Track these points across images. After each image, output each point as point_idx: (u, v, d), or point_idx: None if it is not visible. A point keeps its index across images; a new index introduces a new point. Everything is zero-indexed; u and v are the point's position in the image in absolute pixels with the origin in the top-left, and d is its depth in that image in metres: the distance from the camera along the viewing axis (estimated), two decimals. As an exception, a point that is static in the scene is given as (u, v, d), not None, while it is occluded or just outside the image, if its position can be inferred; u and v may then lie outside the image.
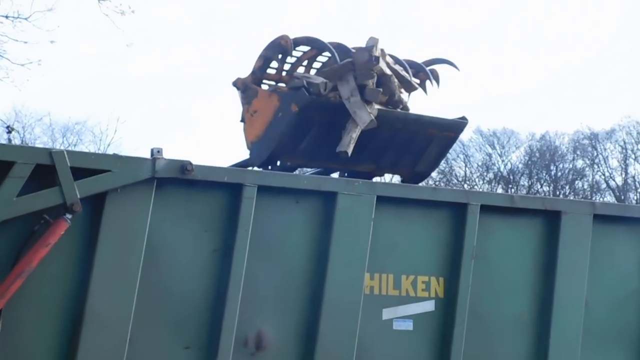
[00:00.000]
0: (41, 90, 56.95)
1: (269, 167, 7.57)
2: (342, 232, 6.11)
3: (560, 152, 51.95)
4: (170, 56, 73.90)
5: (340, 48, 7.80)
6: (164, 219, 5.71)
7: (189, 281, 5.78)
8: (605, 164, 51.94)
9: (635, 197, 50.82)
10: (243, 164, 8.18)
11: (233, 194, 5.87)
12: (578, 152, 51.52)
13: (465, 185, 48.49)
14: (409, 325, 6.33)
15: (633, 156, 50.90)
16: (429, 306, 6.41)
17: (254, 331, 5.90)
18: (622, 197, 50.69)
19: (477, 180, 49.34)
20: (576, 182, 52.83)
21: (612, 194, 52.07)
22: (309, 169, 8.30)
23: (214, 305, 5.80)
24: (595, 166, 52.27)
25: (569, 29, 73.81)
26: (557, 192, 50.61)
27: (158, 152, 5.77)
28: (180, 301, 5.75)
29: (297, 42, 7.97)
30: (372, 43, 7.57)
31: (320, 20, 72.23)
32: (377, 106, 7.33)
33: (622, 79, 71.49)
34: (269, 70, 8.02)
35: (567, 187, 51.97)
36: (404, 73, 7.80)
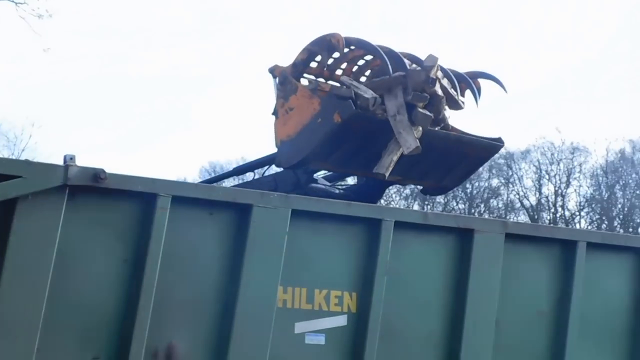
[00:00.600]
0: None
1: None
2: (256, 245, 6.09)
3: (476, 171, 52.54)
4: (170, 56, 73.28)
5: (390, 54, 7.55)
6: (75, 227, 5.62)
7: (99, 290, 5.70)
8: (520, 183, 52.72)
9: (548, 217, 51.62)
10: (268, 160, 8.04)
11: (147, 204, 5.81)
12: (494, 171, 52.18)
13: (382, 201, 48.75)
14: (320, 340, 6.33)
15: (547, 176, 51.73)
16: (341, 321, 6.42)
17: (164, 343, 5.84)
18: (536, 217, 51.45)
19: (394, 196, 49.67)
20: (491, 200, 53.51)
21: (526, 213, 52.81)
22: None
23: (125, 315, 5.73)
24: (510, 185, 53.01)
25: (568, 29, 74.59)
26: (473, 210, 51.17)
27: (71, 159, 5.68)
28: (91, 311, 5.66)
29: (348, 42, 7.72)
30: (431, 63, 7.32)
31: (320, 20, 72.24)
32: (421, 127, 7.22)
33: (622, 79, 72.57)
34: (311, 64, 7.81)
35: (482, 206, 52.58)
36: (452, 90, 7.65)
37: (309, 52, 7.77)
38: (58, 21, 66.88)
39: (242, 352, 5.97)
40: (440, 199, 49.69)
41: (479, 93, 8.12)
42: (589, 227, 49.46)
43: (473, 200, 52.13)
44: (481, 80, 8.21)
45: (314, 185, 8.22)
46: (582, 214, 51.47)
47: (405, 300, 6.63)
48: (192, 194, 5.97)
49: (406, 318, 6.62)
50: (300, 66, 7.85)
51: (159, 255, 5.76)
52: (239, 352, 5.96)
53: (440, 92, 7.44)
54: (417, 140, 7.06)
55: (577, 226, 48.96)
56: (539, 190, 52.25)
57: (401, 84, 7.28)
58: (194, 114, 74.58)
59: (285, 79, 7.76)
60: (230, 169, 9.43)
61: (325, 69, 7.93)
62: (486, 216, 49.15)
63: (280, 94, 7.83)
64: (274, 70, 7.96)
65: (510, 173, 52.07)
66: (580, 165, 52.06)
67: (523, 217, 52.20)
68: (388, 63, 7.40)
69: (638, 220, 51.80)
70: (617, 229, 49.47)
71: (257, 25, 72.43)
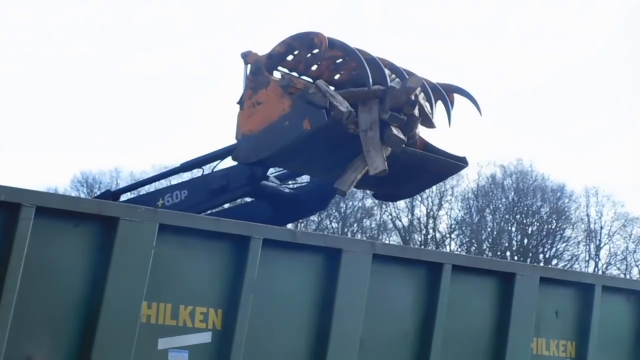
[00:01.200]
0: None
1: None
2: (122, 258, 5.99)
3: (351, 190, 52.94)
4: (170, 56, 72.00)
5: (372, 64, 7.41)
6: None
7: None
8: (393, 204, 53.31)
9: (419, 239, 52.36)
10: (225, 152, 7.77)
11: (10, 214, 5.66)
12: (367, 192, 52.61)
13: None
14: (184, 357, 6.26)
15: (419, 198, 52.45)
16: (205, 337, 6.36)
17: (21, 358, 5.70)
18: (407, 238, 52.13)
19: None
20: (364, 220, 54.00)
21: (398, 234, 53.46)
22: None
23: (-19, 329, 5.57)
24: (384, 206, 53.58)
25: (568, 29, 75.27)
26: (346, 230, 51.55)
27: None
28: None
29: (331, 44, 7.54)
30: (414, 85, 7.14)
31: (320, 20, 71.66)
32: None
33: (622, 79, 73.54)
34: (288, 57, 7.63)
35: (355, 225, 53.02)
36: (428, 110, 7.51)
37: (288, 46, 7.60)
38: (58, 21, 65.48)
39: None
40: (314, 217, 49.96)
41: (452, 107, 8.13)
42: (459, 250, 50.36)
43: (346, 219, 52.53)
44: (458, 96, 8.26)
45: (264, 182, 8.09)
46: (453, 236, 52.42)
47: (272, 319, 6.61)
48: (57, 205, 5.84)
49: (271, 336, 6.60)
50: (276, 58, 7.67)
51: (21, 267, 5.62)
52: None
53: (417, 113, 7.37)
54: (385, 162, 6.97)
55: (447, 248, 49.76)
56: (412, 211, 53.00)
57: (378, 98, 7.20)
58: (194, 114, 74.29)
59: (258, 70, 7.55)
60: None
61: (301, 64, 7.77)
62: (359, 236, 49.57)
63: (249, 84, 7.64)
64: (246, 57, 7.74)
65: (384, 194, 52.57)
66: (452, 188, 53.03)
67: (395, 238, 52.84)
68: (369, 73, 7.31)
69: (506, 244, 52.98)
70: (486, 252, 50.50)
71: (257, 25, 72.07)
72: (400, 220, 52.88)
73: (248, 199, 9.55)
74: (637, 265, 59.32)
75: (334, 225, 51.65)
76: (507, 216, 53.43)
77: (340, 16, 75.06)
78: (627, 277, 53.40)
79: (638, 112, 73.95)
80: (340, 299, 6.82)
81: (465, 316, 7.57)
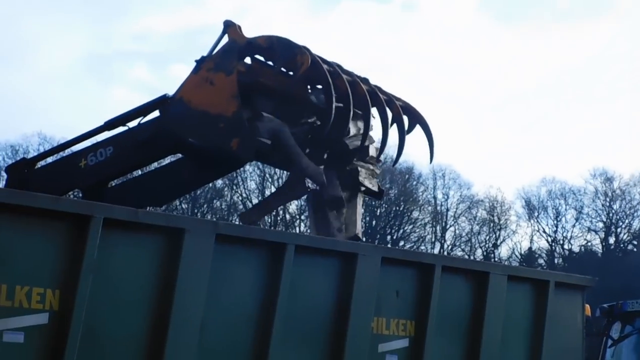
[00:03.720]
0: None
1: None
2: None
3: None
4: None
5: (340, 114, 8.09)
6: None
7: None
8: (244, 185, 53.36)
9: (269, 220, 52.48)
10: (151, 106, 7.60)
11: None
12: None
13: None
14: (19, 338, 6.11)
15: (270, 180, 52.63)
16: (42, 319, 6.22)
17: None
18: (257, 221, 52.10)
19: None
20: (215, 201, 53.81)
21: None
22: None
23: None
24: (234, 187, 53.54)
25: (568, 29, 75.20)
26: (196, 211, 51.27)
27: None
28: None
29: (314, 67, 7.82)
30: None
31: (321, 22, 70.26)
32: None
33: (622, 79, 73.81)
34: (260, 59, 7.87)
35: (205, 206, 52.78)
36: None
37: (270, 45, 7.71)
38: None
39: None
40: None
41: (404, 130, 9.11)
42: (308, 232, 50.76)
43: (197, 200, 52.24)
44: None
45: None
46: (302, 217, 52.71)
47: (111, 300, 6.52)
48: None
49: (111, 318, 6.51)
50: (254, 49, 7.63)
51: None
52: None
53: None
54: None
55: (297, 230, 50.07)
56: (262, 193, 53.09)
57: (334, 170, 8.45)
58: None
59: (231, 51, 7.53)
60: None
61: (273, 63, 7.99)
62: (209, 217, 49.36)
63: (216, 58, 7.59)
64: (228, 28, 7.68)
65: (235, 175, 52.63)
66: (302, 169, 53.28)
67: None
68: (330, 122, 7.92)
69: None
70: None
71: (257, 25, 71.28)
72: (251, 202, 52.90)
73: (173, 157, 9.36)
74: (480, 247, 60.99)
75: (184, 206, 51.30)
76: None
77: (340, 16, 74.95)
78: (471, 258, 54.79)
79: (638, 111, 75.98)
80: (182, 280, 6.76)
81: (308, 296, 7.62)
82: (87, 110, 73.18)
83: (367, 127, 8.77)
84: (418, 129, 9.65)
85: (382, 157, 9.41)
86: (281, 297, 7.33)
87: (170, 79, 77.90)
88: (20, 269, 6.16)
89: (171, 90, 8.30)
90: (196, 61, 7.93)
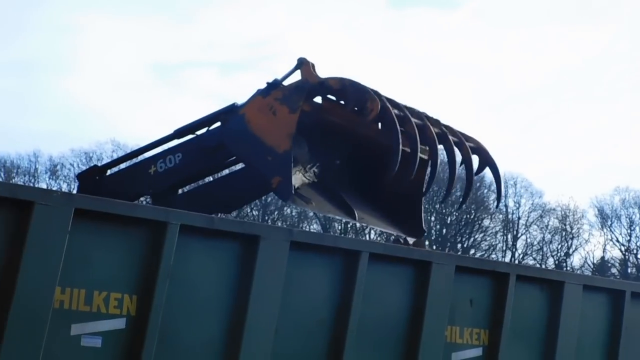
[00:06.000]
0: None
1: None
2: (36, 242, 5.90)
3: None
4: None
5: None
6: None
7: None
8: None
9: (340, 227, 52.54)
10: (217, 115, 7.95)
11: None
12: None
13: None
14: (97, 342, 6.20)
15: (340, 187, 52.54)
16: (119, 323, 6.31)
17: None
18: (328, 227, 52.26)
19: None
20: (285, 208, 53.99)
21: (318, 222, 53.58)
22: None
23: None
24: (304, 194, 53.53)
25: (568, 29, 75.58)
26: (266, 218, 51.53)
27: None
28: None
29: (382, 113, 7.99)
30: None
31: (320, 21, 71.27)
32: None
33: (622, 79, 73.99)
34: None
35: (275, 213, 53.01)
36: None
37: (342, 87, 7.91)
38: None
39: (14, 352, 5.78)
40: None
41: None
42: (378, 239, 50.65)
43: (267, 207, 52.50)
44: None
45: None
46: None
47: (187, 306, 6.58)
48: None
49: (187, 323, 6.57)
50: (325, 89, 7.88)
51: None
52: (10, 352, 5.76)
53: None
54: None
55: (367, 237, 50.03)
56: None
57: None
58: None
59: (301, 90, 7.74)
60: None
61: (345, 104, 8.17)
62: (279, 224, 49.57)
63: (286, 90, 7.79)
64: (302, 65, 7.85)
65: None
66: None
67: (316, 227, 52.97)
68: (399, 149, 8.01)
69: (425, 233, 53.36)
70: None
71: (257, 26, 72.66)
72: (317, 213, 52.93)
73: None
74: (552, 256, 60.39)
75: (255, 213, 51.62)
76: (426, 205, 53.85)
77: (340, 16, 75.50)
78: (543, 267, 54.27)
79: (638, 111, 75.34)
80: (257, 286, 6.80)
81: (381, 304, 7.61)
82: (158, 117, 74.20)
83: (434, 172, 8.91)
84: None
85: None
86: (355, 304, 7.34)
87: (236, 86, 78.70)
88: (98, 274, 6.25)
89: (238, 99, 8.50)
90: (267, 83, 8.06)
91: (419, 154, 8.55)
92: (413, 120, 8.57)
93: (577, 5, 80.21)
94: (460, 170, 9.46)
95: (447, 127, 9.27)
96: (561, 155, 77.35)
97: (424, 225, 9.78)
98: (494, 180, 9.85)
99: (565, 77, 78.66)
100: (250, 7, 79.89)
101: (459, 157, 9.40)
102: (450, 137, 9.19)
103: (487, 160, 9.64)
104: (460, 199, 9.46)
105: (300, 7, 79.58)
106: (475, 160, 9.57)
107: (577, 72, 79.15)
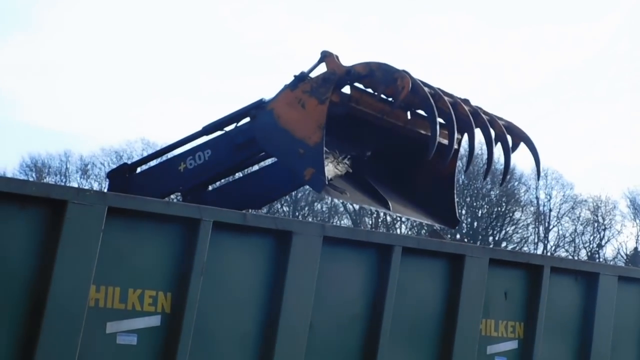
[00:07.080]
0: None
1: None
2: (70, 242, 5.93)
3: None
4: None
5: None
6: None
7: None
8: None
9: (370, 222, 52.48)
10: (247, 111, 8.13)
11: None
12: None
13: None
14: (132, 340, 6.22)
15: (370, 182, 52.49)
16: (154, 321, 6.32)
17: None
18: (358, 221, 52.22)
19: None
20: (315, 204, 54.02)
21: (349, 217, 53.54)
22: None
23: None
24: (335, 189, 53.49)
25: (569, 28, 75.62)
26: (297, 213, 51.57)
27: None
28: None
29: (414, 90, 7.91)
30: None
31: (321, 22, 71.58)
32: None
33: (622, 79, 73.95)
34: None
35: (306, 209, 53.05)
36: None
37: (369, 71, 7.91)
38: None
39: (50, 351, 5.81)
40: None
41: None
42: (410, 233, 50.61)
43: (298, 203, 52.53)
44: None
45: None
46: (403, 219, 52.58)
47: (221, 302, 6.58)
48: (2, 189, 5.76)
49: (221, 319, 6.58)
50: (352, 77, 7.83)
51: None
52: (46, 351, 5.79)
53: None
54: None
55: (398, 231, 49.97)
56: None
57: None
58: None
59: (329, 81, 7.74)
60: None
61: (373, 90, 8.16)
62: (310, 219, 49.59)
63: (314, 82, 7.80)
64: (326, 58, 7.86)
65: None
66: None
67: (346, 221, 52.94)
68: (435, 143, 7.97)
69: (457, 227, 53.20)
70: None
71: (256, 26, 73.00)
72: (352, 204, 52.97)
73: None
74: (584, 247, 60.07)
75: (285, 209, 51.65)
76: (457, 199, 53.74)
77: (340, 16, 75.49)
78: (576, 258, 54.01)
79: (638, 111, 74.98)
80: (290, 281, 6.80)
81: (415, 298, 7.59)
82: (186, 118, 74.54)
83: (472, 147, 8.80)
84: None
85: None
86: (388, 298, 7.32)
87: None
88: (133, 272, 6.27)
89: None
90: (295, 76, 8.04)
91: (456, 134, 8.50)
92: (445, 98, 8.50)
93: (577, 5, 79.80)
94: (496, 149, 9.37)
95: (477, 107, 9.20)
96: (561, 155, 76.88)
97: (457, 214, 9.71)
98: (531, 155, 9.67)
99: (565, 77, 78.34)
100: (250, 7, 79.96)
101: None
102: (483, 116, 9.13)
103: (521, 137, 9.54)
104: (491, 190, 9.47)
105: (300, 7, 79.50)
106: (509, 139, 9.47)
107: (577, 72, 78.76)
